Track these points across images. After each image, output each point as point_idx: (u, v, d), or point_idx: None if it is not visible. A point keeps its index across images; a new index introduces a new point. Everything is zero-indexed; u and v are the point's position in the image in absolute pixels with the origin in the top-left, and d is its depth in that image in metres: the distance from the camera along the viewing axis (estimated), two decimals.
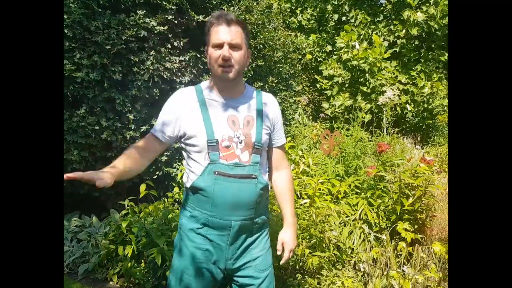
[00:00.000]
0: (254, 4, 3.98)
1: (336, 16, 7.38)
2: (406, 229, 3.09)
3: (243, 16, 3.95)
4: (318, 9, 7.54)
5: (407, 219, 3.20)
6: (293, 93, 5.24)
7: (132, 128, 3.60)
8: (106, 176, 1.37)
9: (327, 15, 7.56)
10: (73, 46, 3.32)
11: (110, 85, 3.47)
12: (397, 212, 3.16)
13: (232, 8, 3.93)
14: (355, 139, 4.59)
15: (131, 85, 3.53)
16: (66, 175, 1.20)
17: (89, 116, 3.46)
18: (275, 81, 4.40)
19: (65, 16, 3.24)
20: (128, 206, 3.42)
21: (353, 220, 3.39)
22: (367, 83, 6.45)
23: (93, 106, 3.47)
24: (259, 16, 4.01)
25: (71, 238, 3.56)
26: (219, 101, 1.58)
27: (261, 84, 4.24)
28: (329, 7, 7.34)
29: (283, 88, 4.60)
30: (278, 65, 4.50)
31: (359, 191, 3.68)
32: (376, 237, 3.25)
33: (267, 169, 1.68)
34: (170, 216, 3.18)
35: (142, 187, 3.38)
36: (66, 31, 3.26)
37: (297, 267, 2.91)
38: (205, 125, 1.53)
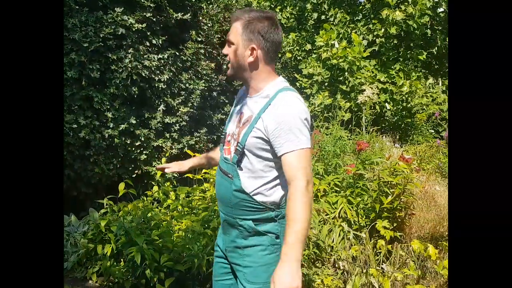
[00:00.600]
0: (233, 2, 3.99)
1: (315, 15, 7.44)
2: (385, 227, 3.13)
3: (222, 14, 3.96)
4: (297, 8, 7.59)
5: (386, 217, 3.25)
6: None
7: (111, 126, 3.57)
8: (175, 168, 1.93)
9: (306, 13, 7.62)
10: None
11: (88, 83, 3.44)
12: (376, 210, 3.21)
13: (211, 6, 3.94)
14: (334, 138, 4.65)
15: (109, 83, 3.50)
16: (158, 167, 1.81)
17: (67, 115, 3.42)
18: None
19: None
20: (107, 205, 3.40)
21: (332, 218, 3.43)
22: (346, 81, 6.53)
23: (71, 104, 3.43)
24: None
25: None
26: (244, 98, 1.64)
27: (241, 82, 4.26)
28: (309, 6, 7.40)
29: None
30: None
31: (338, 190, 3.74)
32: (356, 235, 3.30)
33: (255, 175, 1.54)
34: (149, 215, 3.17)
35: (121, 186, 3.36)
36: None
37: None
38: (227, 120, 1.69)
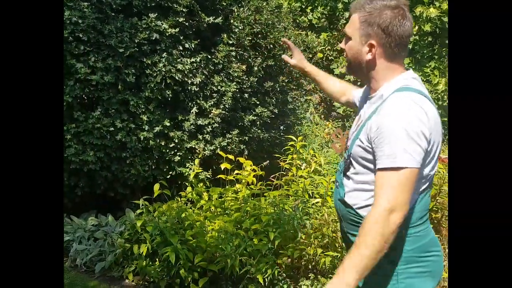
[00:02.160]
0: (264, 4, 4.01)
1: (347, 14, 7.36)
2: None
3: (253, 16, 3.99)
4: (328, 8, 7.53)
5: None
6: (304, 92, 5.26)
7: (146, 129, 3.67)
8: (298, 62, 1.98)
9: (337, 13, 7.54)
10: (88, 49, 3.40)
11: (124, 87, 3.55)
12: None
13: (242, 9, 3.97)
14: None
15: (144, 87, 3.60)
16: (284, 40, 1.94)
17: (104, 118, 3.54)
18: (286, 81, 4.43)
19: (80, 21, 3.32)
20: (142, 205, 3.49)
21: None
22: None
23: (108, 108, 3.55)
24: (268, 16, 4.04)
25: (88, 237, 3.64)
26: (365, 97, 1.50)
27: (272, 83, 4.28)
28: (340, 5, 7.32)
29: (294, 87, 4.63)
30: (289, 65, 4.52)
31: None
32: None
33: (361, 187, 1.39)
34: (183, 215, 3.24)
35: (156, 187, 3.46)
36: (80, 35, 3.34)
37: (310, 266, 2.93)
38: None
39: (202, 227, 3.00)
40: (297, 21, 7.04)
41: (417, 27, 6.53)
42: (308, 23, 7.47)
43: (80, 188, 3.82)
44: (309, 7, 7.61)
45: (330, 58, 7.47)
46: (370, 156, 1.32)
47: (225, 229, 2.84)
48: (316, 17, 7.50)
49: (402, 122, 1.22)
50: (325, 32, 7.61)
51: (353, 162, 1.39)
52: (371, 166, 1.33)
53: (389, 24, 1.30)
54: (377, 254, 1.20)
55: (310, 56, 6.70)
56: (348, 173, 1.42)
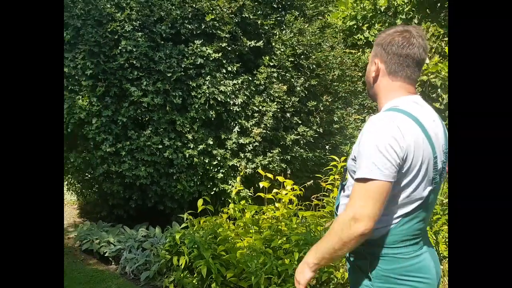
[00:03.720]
0: (306, 26, 4.11)
1: None
2: None
3: (295, 38, 4.09)
4: (386, 24, 7.38)
5: None
6: (353, 111, 5.20)
7: (191, 147, 3.91)
8: None
9: None
10: (141, 75, 3.75)
11: (172, 108, 3.83)
12: None
13: (284, 31, 4.10)
14: None
15: (190, 108, 3.86)
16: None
17: (154, 136, 3.85)
18: (330, 100, 4.44)
19: (134, 49, 3.68)
20: (187, 219, 3.69)
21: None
22: (440, 99, 6.11)
23: (157, 127, 3.85)
24: (310, 38, 4.12)
25: (137, 247, 3.93)
26: None
27: (315, 103, 4.32)
28: (398, 21, 7.14)
29: (340, 106, 4.62)
30: (334, 84, 4.54)
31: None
32: None
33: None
34: (219, 230, 3.37)
35: (200, 202, 3.64)
36: (134, 62, 3.69)
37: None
38: None
39: (234, 243, 3.11)
40: (352, 39, 6.99)
41: None
42: (365, 40, 7.38)
43: (134, 200, 4.16)
44: (365, 25, 7.52)
45: None
46: (356, 169, 1.36)
47: (253, 247, 2.92)
48: (373, 34, 7.38)
49: (373, 138, 1.29)
50: None
51: (348, 175, 1.46)
52: None
53: (389, 43, 1.39)
54: (335, 251, 1.31)
55: (360, 74, 6.62)
56: (345, 186, 1.49)
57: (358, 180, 1.28)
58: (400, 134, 1.28)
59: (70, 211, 5.35)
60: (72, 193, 5.19)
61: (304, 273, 1.39)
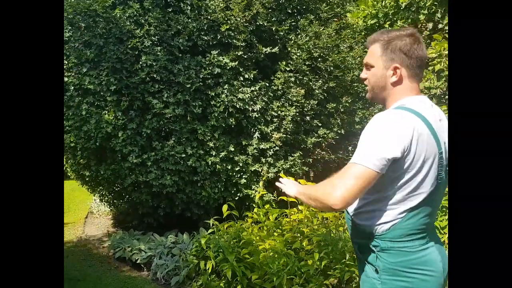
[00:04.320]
0: (321, 29, 4.14)
1: (430, 25, 7.00)
2: None
3: (311, 42, 4.13)
4: (409, 20, 7.25)
5: None
6: (376, 111, 5.15)
7: (213, 154, 4.02)
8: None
9: (420, 25, 7.21)
10: (161, 87, 3.90)
11: (192, 118, 3.96)
12: None
13: (299, 36, 4.15)
14: None
15: (210, 117, 3.97)
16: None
17: (177, 146, 3.99)
18: (350, 101, 4.44)
19: (154, 63, 3.84)
20: (213, 225, 3.79)
21: None
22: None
23: (180, 137, 3.99)
24: (326, 40, 4.14)
25: (167, 253, 4.06)
26: None
27: (334, 104, 4.33)
28: (422, 17, 7.00)
29: (361, 107, 4.60)
30: (354, 84, 4.54)
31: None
32: None
33: (362, 199, 1.48)
34: (243, 234, 3.45)
35: (224, 208, 3.73)
36: (155, 75, 3.85)
37: None
38: None
39: (256, 246, 3.17)
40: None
41: None
42: None
43: (162, 209, 4.31)
44: (387, 22, 7.42)
45: None
46: None
47: (275, 249, 2.97)
48: None
49: (373, 129, 1.34)
50: None
51: None
52: None
53: (410, 48, 1.42)
54: (308, 201, 1.45)
55: None
56: None
57: (351, 163, 1.33)
58: (401, 129, 1.32)
59: (105, 222, 5.59)
60: (105, 204, 5.42)
61: (290, 189, 1.56)
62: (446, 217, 3.24)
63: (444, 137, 1.42)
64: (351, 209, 1.52)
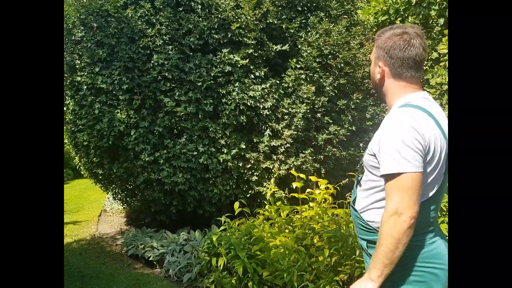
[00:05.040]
0: (331, 26, 4.13)
1: (442, 21, 6.92)
2: None
3: (322, 39, 4.13)
4: (420, 16, 7.18)
5: None
6: (387, 107, 5.14)
7: (225, 152, 4.04)
8: None
9: (431, 20, 7.14)
10: (173, 86, 3.94)
11: (204, 116, 3.99)
12: None
13: (309, 33, 4.14)
14: None
15: (221, 114, 4.00)
16: None
17: (189, 144, 4.02)
18: (361, 97, 4.42)
19: (165, 62, 3.88)
20: (225, 222, 3.82)
21: None
22: None
23: (191, 135, 4.02)
24: (337, 37, 4.13)
25: (179, 250, 4.10)
26: None
27: (345, 101, 4.32)
28: (433, 12, 6.93)
29: (372, 103, 4.57)
30: (365, 81, 4.51)
31: None
32: None
33: (367, 193, 1.51)
34: (255, 230, 3.46)
35: (236, 205, 3.76)
36: (166, 74, 3.89)
37: None
38: None
39: (267, 243, 3.18)
40: None
41: None
42: None
43: (174, 206, 4.35)
44: (399, 19, 7.36)
45: (425, 67, 7.09)
46: (376, 164, 1.43)
47: (286, 245, 2.98)
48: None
49: (396, 133, 1.34)
50: None
51: (365, 169, 1.52)
52: (376, 173, 1.44)
53: (391, 48, 1.46)
54: (392, 253, 1.30)
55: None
56: (361, 180, 1.55)
57: (390, 176, 1.33)
58: (420, 126, 1.34)
59: (118, 220, 5.66)
60: (118, 202, 5.49)
61: (365, 285, 1.36)
62: (443, 218, 3.22)
63: (447, 132, 1.44)
64: (359, 206, 1.53)
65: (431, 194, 1.41)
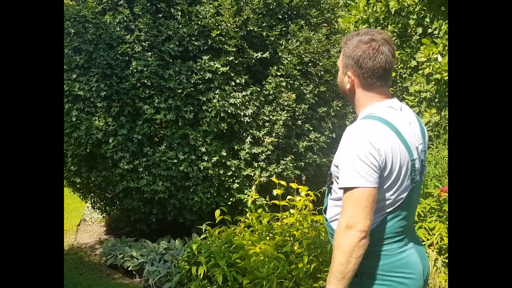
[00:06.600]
0: (311, 34, 4.17)
1: (420, 30, 7.08)
2: None
3: (302, 47, 4.16)
4: (400, 25, 7.33)
5: None
6: None
7: (205, 159, 4.01)
8: None
9: (409, 29, 7.29)
10: (152, 93, 3.90)
11: (184, 123, 3.96)
12: None
13: (290, 41, 4.17)
14: (435, 158, 4.35)
15: (202, 122, 3.97)
16: None
17: (169, 151, 3.98)
18: (341, 105, 4.46)
19: (144, 69, 3.84)
20: (205, 230, 3.78)
21: (429, 246, 3.22)
22: None
23: (172, 142, 3.98)
24: (317, 45, 4.17)
25: (159, 259, 4.04)
26: None
27: (325, 108, 4.35)
28: (412, 22, 7.08)
29: (352, 110, 4.62)
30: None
31: (441, 215, 3.47)
32: (445, 262, 3.05)
33: (336, 203, 1.50)
34: (236, 238, 3.44)
35: (217, 213, 3.73)
36: (145, 81, 3.86)
37: None
38: None
39: (247, 251, 3.16)
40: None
41: None
42: None
43: (154, 215, 4.29)
44: (378, 27, 7.50)
45: (404, 75, 7.21)
46: (338, 175, 1.41)
47: (266, 253, 2.96)
48: None
49: (353, 147, 1.33)
50: (397, 50, 7.41)
51: (333, 179, 1.50)
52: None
53: (360, 57, 1.41)
54: (344, 267, 1.29)
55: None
56: (332, 189, 1.54)
57: (345, 189, 1.33)
58: (377, 141, 1.32)
59: (98, 229, 5.55)
60: (97, 211, 5.39)
61: None
62: (434, 218, 3.25)
63: (414, 141, 1.43)
64: (329, 215, 1.53)
65: (394, 206, 1.40)
